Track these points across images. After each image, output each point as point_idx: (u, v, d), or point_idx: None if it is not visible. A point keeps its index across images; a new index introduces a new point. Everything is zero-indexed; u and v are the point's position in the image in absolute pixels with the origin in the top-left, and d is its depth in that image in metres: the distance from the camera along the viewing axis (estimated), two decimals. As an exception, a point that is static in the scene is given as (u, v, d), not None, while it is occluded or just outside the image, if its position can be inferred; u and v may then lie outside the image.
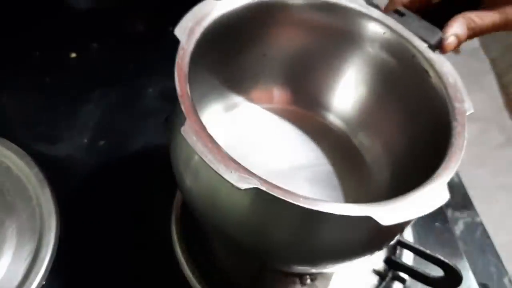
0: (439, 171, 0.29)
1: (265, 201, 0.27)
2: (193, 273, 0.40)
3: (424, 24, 0.37)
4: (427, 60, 0.36)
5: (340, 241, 0.30)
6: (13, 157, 0.44)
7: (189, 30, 0.32)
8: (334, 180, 0.41)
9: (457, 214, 0.49)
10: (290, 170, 0.41)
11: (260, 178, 0.26)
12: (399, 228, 0.32)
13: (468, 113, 0.32)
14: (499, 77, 0.66)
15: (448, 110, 0.33)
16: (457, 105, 0.33)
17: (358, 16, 0.38)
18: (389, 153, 0.41)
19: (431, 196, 0.27)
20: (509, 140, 1.36)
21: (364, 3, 0.38)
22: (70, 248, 0.41)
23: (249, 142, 0.43)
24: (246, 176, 0.25)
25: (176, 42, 0.31)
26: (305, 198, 0.25)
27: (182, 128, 0.27)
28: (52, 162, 0.47)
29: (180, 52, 0.31)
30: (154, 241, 0.43)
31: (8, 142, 0.45)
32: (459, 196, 0.50)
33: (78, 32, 0.59)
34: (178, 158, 0.32)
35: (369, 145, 0.43)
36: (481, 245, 0.47)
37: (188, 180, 0.32)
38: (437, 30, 0.37)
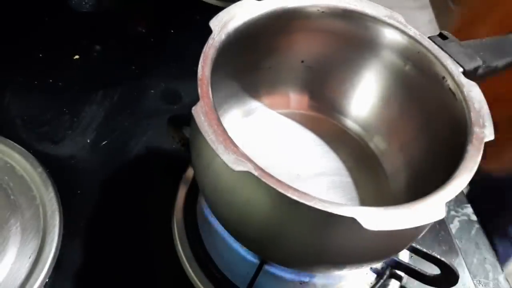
0: (442, 188, 0.28)
1: (258, 189, 0.27)
2: (194, 272, 0.40)
3: (465, 50, 0.37)
4: (457, 83, 0.35)
5: (334, 243, 0.30)
6: (17, 157, 0.45)
7: (223, 23, 0.34)
8: (351, 185, 0.42)
9: (453, 212, 0.49)
10: (307, 174, 0.42)
11: (255, 164, 0.26)
12: (410, 236, 0.32)
13: (486, 140, 0.32)
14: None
15: (466, 133, 0.32)
16: (476, 130, 0.32)
17: (380, 25, 0.38)
18: (406, 160, 0.41)
19: (427, 210, 0.27)
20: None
21: (403, 21, 0.38)
22: (73, 246, 0.42)
23: (267, 146, 0.43)
24: (242, 160, 0.26)
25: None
26: (294, 189, 0.26)
27: (193, 108, 0.28)
28: (55, 162, 0.47)
29: (209, 41, 0.32)
30: (156, 240, 0.43)
31: (12, 143, 0.46)
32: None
33: (81, 34, 0.59)
34: (197, 158, 0.32)
35: (386, 151, 0.43)
36: (477, 243, 0.47)
37: (206, 179, 0.32)
38: (477, 58, 0.37)
